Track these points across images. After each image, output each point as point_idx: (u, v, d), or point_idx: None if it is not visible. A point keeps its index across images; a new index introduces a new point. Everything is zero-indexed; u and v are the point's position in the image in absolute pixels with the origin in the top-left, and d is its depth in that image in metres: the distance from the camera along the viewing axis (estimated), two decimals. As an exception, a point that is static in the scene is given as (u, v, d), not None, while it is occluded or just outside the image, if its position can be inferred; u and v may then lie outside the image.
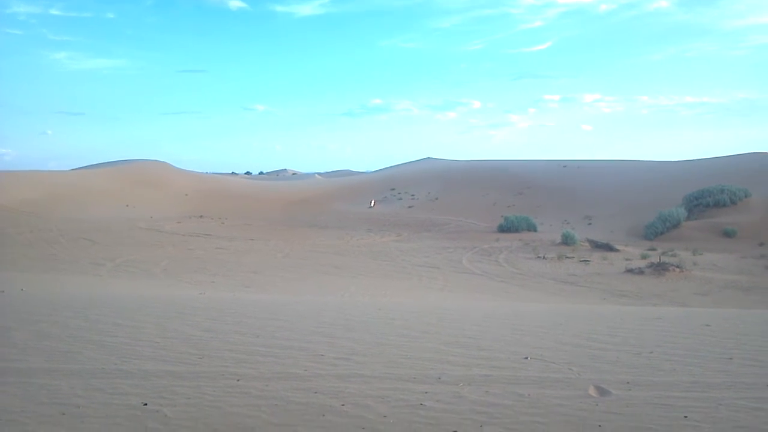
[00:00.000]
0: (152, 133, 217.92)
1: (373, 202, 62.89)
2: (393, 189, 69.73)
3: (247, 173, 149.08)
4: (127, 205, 54.37)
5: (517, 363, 7.32)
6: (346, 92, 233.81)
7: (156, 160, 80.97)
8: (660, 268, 26.63)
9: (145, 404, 5.58)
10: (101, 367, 6.84)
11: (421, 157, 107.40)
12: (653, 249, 34.33)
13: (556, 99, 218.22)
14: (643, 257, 31.06)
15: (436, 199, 62.31)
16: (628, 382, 6.52)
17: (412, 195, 65.44)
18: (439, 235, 43.06)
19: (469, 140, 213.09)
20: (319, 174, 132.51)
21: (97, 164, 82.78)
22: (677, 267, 26.89)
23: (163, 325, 9.40)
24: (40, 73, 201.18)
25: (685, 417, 5.42)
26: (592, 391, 6.17)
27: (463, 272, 28.33)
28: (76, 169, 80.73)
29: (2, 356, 7.20)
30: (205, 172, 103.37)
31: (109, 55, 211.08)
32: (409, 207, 60.17)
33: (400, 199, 64.99)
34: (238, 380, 6.40)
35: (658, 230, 40.35)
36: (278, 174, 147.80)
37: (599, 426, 5.20)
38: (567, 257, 32.03)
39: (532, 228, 44.72)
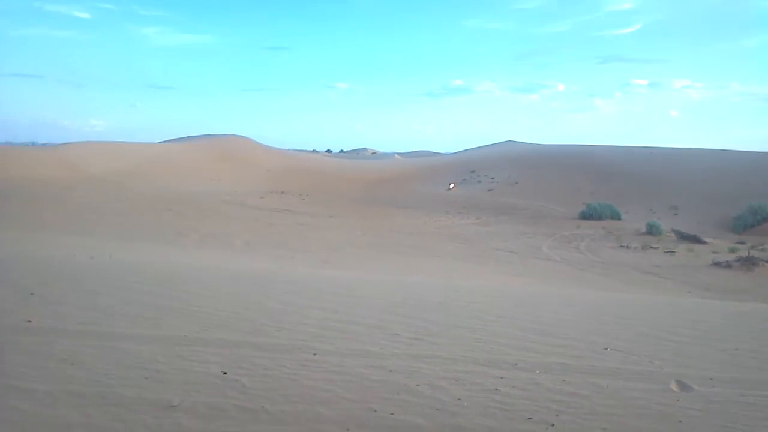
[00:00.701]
0: (236, 109, 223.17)
1: (452, 184, 62.72)
2: (473, 171, 69.37)
3: (328, 151, 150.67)
4: (212, 179, 55.62)
5: (596, 353, 7.19)
6: (427, 72, 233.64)
7: (239, 136, 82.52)
8: (749, 263, 25.71)
9: (225, 373, 5.71)
10: (183, 334, 7.03)
11: (502, 140, 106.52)
12: (742, 242, 33.14)
13: (643, 84, 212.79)
14: (731, 251, 30.02)
15: (516, 183, 61.66)
16: (711, 378, 6.32)
17: (492, 178, 64.96)
18: (519, 220, 42.62)
19: (552, 124, 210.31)
20: (398, 154, 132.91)
21: (182, 138, 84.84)
22: (767, 262, 25.92)
23: (243, 297, 9.60)
24: (130, 48, 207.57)
25: (772, 418, 5.23)
26: (673, 386, 6.01)
27: (542, 258, 27.99)
28: (163, 141, 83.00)
29: (89, 320, 7.47)
30: (286, 148, 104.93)
31: (197, 31, 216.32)
32: (489, 190, 59.74)
33: (480, 181, 64.59)
34: (314, 354, 6.48)
35: (748, 223, 38.88)
36: (358, 153, 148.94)
37: (680, 422, 5.06)
38: (651, 247, 31.25)
39: (615, 216, 43.79)
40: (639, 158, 66.66)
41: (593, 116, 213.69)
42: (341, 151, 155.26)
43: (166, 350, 6.36)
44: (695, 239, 33.45)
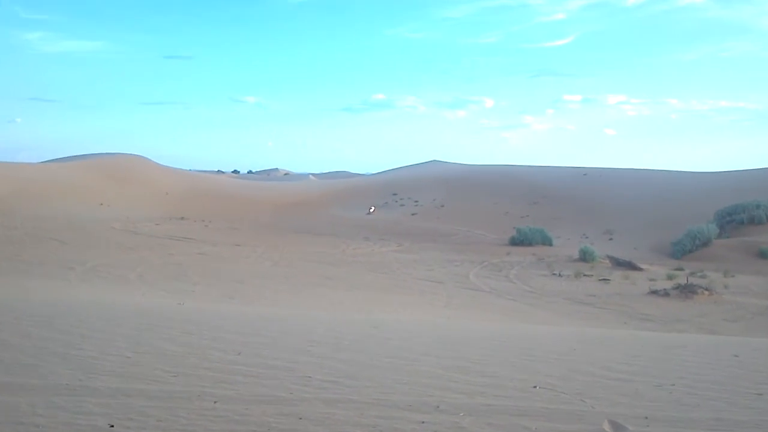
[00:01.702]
0: (132, 125, 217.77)
1: (372, 208, 63.14)
2: (395, 194, 69.96)
3: (235, 172, 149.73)
4: (102, 204, 54.47)
5: (525, 392, 7.31)
6: (346, 85, 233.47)
7: (134, 155, 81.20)
8: (687, 291, 26.56)
9: (112, 426, 5.56)
10: (66, 383, 6.83)
11: (427, 160, 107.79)
12: (680, 269, 34.28)
13: (576, 99, 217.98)
14: (669, 278, 31.00)
15: (442, 206, 62.47)
16: (646, 417, 6.50)
17: (416, 201, 65.64)
18: (445, 247, 43.09)
19: (481, 142, 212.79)
20: (313, 175, 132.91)
21: (69, 157, 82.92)
22: (706, 290, 26.83)
23: (135, 338, 9.40)
24: (9, 55, 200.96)
25: (708, 458, 5.42)
26: (606, 426, 6.16)
27: (469, 288, 28.34)
28: (46, 161, 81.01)
29: (-43, 368, 7.20)
30: (188, 169, 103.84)
31: (87, 37, 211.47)
32: (412, 214, 60.36)
33: (403, 205, 65.21)
34: (215, 402, 6.39)
35: (687, 248, 40.23)
36: (269, 173, 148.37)
37: (612, 465, 5.20)
38: (585, 275, 32.03)
39: (547, 242, 44.80)
40: (572, 179, 68.43)
41: (524, 134, 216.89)
42: (250, 172, 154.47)
43: (46, 401, 6.17)
44: (631, 266, 34.43)
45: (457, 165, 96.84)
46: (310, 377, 7.57)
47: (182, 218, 51.10)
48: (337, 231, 49.56)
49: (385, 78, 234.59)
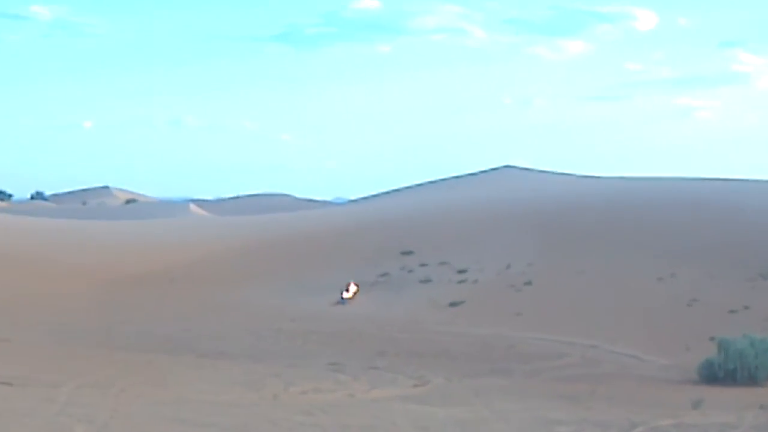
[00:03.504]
0: None
1: (351, 287, 62.53)
2: (408, 253, 69.31)
3: (4, 197, 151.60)
4: None
5: None
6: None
7: None
8: None
9: None
10: None
11: (492, 167, 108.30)
12: None
13: None
14: None
15: (529, 283, 61.28)
16: None
17: (462, 270, 64.77)
18: (534, 388, 41.40)
19: (626, 122, 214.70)
20: (197, 203, 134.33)
21: None
22: None
23: None
24: None
25: None
26: None
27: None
28: None
29: None
30: None
31: None
32: (452, 304, 59.44)
33: (428, 281, 65.15)
34: None
35: None
36: (87, 200, 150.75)
37: None
38: None
39: (799, 372, 43.40)
40: None
41: (735, 99, 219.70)
42: (38, 196, 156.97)
43: None
44: None
45: (564, 178, 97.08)
46: None
47: None
48: (261, 345, 48.96)
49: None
